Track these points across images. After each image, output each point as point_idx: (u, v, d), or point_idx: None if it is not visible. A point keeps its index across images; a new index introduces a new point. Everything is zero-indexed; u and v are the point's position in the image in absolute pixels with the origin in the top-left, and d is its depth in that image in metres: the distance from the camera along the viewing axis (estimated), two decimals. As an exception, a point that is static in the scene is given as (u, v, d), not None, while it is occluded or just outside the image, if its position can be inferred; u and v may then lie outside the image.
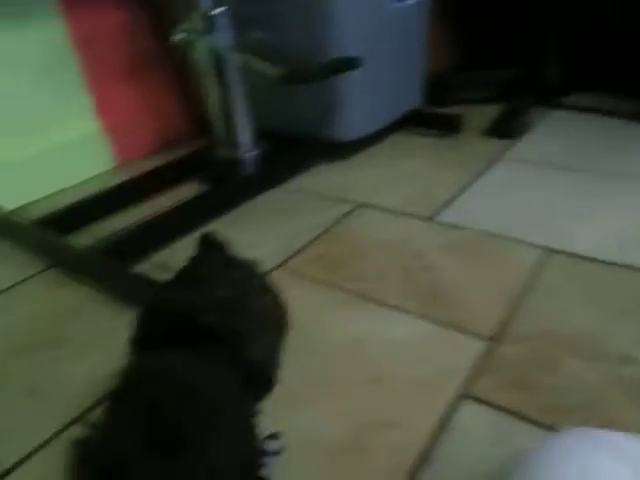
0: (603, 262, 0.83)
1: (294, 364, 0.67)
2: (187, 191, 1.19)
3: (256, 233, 1.01)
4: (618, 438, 0.28)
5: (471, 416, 0.58)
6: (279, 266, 0.90)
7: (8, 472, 0.57)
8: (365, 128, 1.27)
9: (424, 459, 0.54)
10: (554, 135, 1.38)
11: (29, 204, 1.19)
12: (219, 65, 1.07)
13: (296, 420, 0.59)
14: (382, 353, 0.69)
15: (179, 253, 0.95)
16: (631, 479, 0.26)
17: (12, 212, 1.09)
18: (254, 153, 1.19)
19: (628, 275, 0.80)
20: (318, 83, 1.05)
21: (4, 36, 1.10)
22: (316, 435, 0.57)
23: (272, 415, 0.58)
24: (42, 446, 0.60)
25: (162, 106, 1.44)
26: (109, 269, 0.84)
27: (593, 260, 0.84)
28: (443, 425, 0.58)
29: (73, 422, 0.62)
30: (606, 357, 0.64)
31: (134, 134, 1.39)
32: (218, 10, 1.00)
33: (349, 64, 1.01)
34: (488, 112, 1.51)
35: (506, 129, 1.36)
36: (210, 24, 1.00)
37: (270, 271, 0.88)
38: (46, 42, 1.17)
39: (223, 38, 1.03)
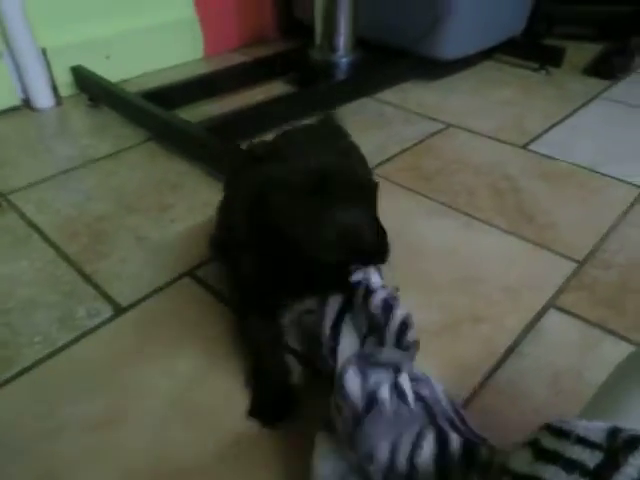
0: (701, 209, 0.83)
1: (391, 259, 0.71)
2: (276, 89, 1.20)
3: (345, 137, 1.02)
4: None
5: (559, 324, 0.61)
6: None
7: (125, 310, 0.64)
8: (466, 48, 1.23)
9: (511, 351, 0.58)
10: (657, 82, 1.31)
11: (125, 80, 1.23)
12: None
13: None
14: (474, 260, 0.71)
15: (272, 145, 0.97)
16: None
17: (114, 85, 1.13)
18: (348, 59, 1.18)
19: None
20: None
21: None
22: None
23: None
24: (156, 291, 0.66)
25: (256, 3, 1.42)
26: (212, 144, 0.87)
27: (690, 206, 0.84)
28: (531, 327, 0.61)
29: (183, 275, 0.68)
30: (698, 292, 0.66)
31: (226, 26, 1.39)
32: None
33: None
34: (588, 49, 1.43)
35: (607, 69, 1.30)
36: None
37: (360, 173, 0.90)
38: None
39: None
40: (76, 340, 0.59)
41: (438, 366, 0.56)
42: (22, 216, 0.79)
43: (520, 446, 0.31)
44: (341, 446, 0.40)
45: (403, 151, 0.98)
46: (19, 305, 0.64)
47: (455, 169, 0.93)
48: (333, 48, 1.17)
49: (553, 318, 0.62)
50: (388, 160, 0.95)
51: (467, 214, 0.81)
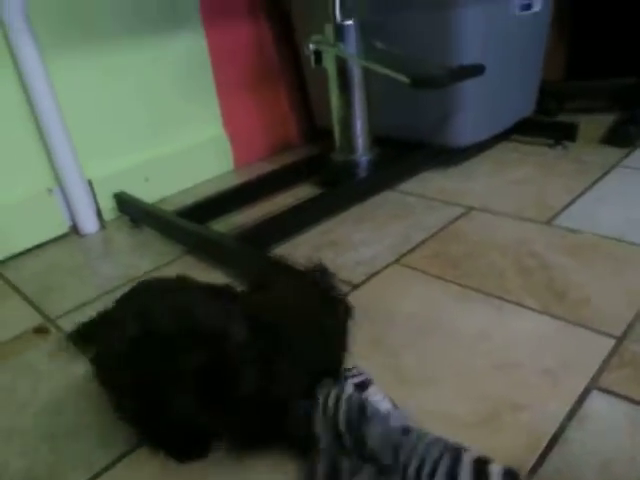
0: None
1: (423, 349, 0.71)
2: (303, 192, 1.27)
3: (370, 232, 1.06)
4: None
5: (603, 406, 0.59)
6: (395, 261, 0.94)
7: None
8: (479, 135, 1.29)
9: (556, 440, 0.56)
10: (676, 145, 1.32)
11: (162, 199, 1.33)
12: (345, 72, 1.15)
13: (426, 399, 0.63)
14: (508, 344, 0.71)
15: (299, 247, 1.02)
16: None
17: (152, 205, 1.23)
18: (368, 157, 1.25)
19: None
20: (443, 89, 1.09)
21: (157, 47, 1.26)
22: (447, 412, 0.61)
23: (402, 393, 0.62)
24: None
25: (279, 113, 1.56)
26: (243, 253, 0.92)
27: None
28: (574, 412, 0.59)
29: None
30: None
31: (254, 140, 1.51)
32: (348, 22, 1.08)
33: (475, 70, 1.05)
34: (600, 121, 1.47)
35: (624, 136, 1.33)
36: (340, 34, 1.08)
37: (387, 266, 0.93)
38: (189, 53, 1.32)
39: (351, 47, 1.11)
40: (121, 458, 0.61)
41: (481, 461, 0.54)
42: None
43: None
44: None
45: (427, 239, 1.01)
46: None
47: (481, 252, 0.94)
48: (352, 149, 1.25)
49: (597, 400, 0.60)
50: (413, 249, 0.98)
51: (497, 297, 0.81)
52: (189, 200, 1.22)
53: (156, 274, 1.01)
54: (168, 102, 1.32)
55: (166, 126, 1.33)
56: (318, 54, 1.15)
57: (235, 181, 1.35)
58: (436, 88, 1.05)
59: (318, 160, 1.33)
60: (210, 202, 1.18)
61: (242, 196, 1.23)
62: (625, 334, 0.70)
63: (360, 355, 0.71)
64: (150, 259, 1.06)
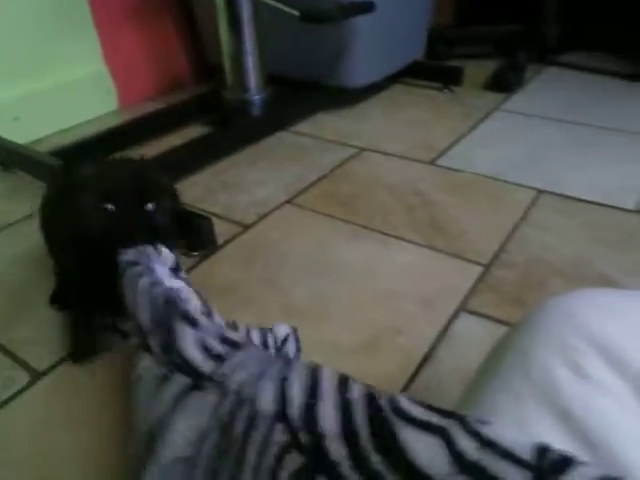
0: (589, 202, 0.90)
1: (313, 286, 0.73)
2: (193, 133, 1.22)
3: (263, 173, 1.05)
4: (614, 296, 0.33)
5: (469, 326, 0.65)
6: (288, 202, 0.95)
7: (43, 374, 0.62)
8: (372, 76, 1.30)
9: (427, 359, 0.61)
10: (548, 90, 1.43)
11: (36, 140, 1.21)
12: (234, 5, 1.09)
13: (313, 330, 0.66)
14: (390, 275, 0.75)
15: (190, 189, 0.99)
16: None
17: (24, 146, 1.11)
18: (261, 96, 1.22)
19: (613, 214, 0.87)
20: (333, 24, 1.07)
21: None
22: (332, 341, 0.64)
23: (302, 325, 0.64)
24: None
25: (167, 49, 1.45)
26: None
27: (580, 200, 0.91)
28: (444, 333, 0.65)
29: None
30: (587, 278, 0.72)
31: (139, 76, 1.41)
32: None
33: (364, 7, 1.04)
34: (486, 67, 1.54)
35: (504, 82, 1.41)
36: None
37: (279, 206, 0.93)
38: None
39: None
40: (-6, 411, 0.57)
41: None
42: None
43: (424, 429, 0.27)
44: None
45: (320, 179, 1.02)
46: None
47: (370, 191, 0.97)
48: (245, 87, 1.21)
49: (464, 321, 0.66)
50: (305, 190, 0.98)
51: (383, 233, 0.85)
52: (67, 141, 1.12)
53: (35, 219, 0.93)
54: (38, 35, 1.18)
55: (37, 62, 1.19)
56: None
57: (120, 121, 1.26)
58: (325, 23, 1.03)
59: (209, 99, 1.27)
60: (90, 143, 1.09)
61: (127, 137, 1.15)
62: (491, 262, 0.76)
63: (252, 295, 0.72)
64: (27, 204, 0.98)
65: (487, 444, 0.25)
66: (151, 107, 1.33)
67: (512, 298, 0.69)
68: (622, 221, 0.85)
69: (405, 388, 0.58)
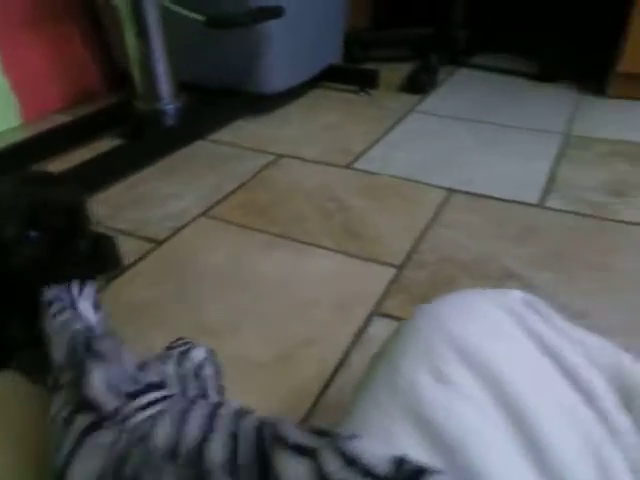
0: (496, 199, 0.94)
1: (227, 300, 0.72)
2: (104, 146, 1.17)
3: (178, 185, 1.02)
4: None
5: (382, 329, 0.66)
6: (203, 214, 0.93)
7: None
8: (288, 81, 1.29)
9: (341, 366, 0.61)
10: (460, 91, 1.48)
11: None
12: (139, 10, 1.05)
13: (226, 346, 0.64)
14: (305, 284, 0.75)
15: (100, 207, 0.95)
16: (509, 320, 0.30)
17: None
18: (175, 105, 1.19)
19: (517, 209, 0.91)
20: (241, 30, 1.06)
21: None
22: (249, 356, 0.63)
23: (213, 342, 0.62)
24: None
25: (73, 58, 1.39)
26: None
27: (488, 197, 0.95)
28: (358, 338, 0.65)
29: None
30: (492, 274, 0.75)
31: (44, 87, 1.33)
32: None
33: (273, 12, 1.03)
34: (401, 69, 1.58)
35: (418, 85, 1.45)
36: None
37: (194, 219, 0.91)
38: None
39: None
40: None
41: (274, 396, 0.57)
42: None
43: (298, 453, 0.27)
44: None
45: (237, 189, 1.00)
46: None
47: (287, 199, 0.97)
48: (156, 96, 1.17)
49: (377, 325, 0.67)
50: (221, 200, 0.97)
51: (299, 241, 0.84)
52: (-38, 160, 1.04)
53: None
54: None
55: None
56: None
57: (23, 137, 1.19)
58: (232, 28, 1.02)
59: (120, 109, 1.23)
60: (-12, 161, 1.02)
61: (30, 153, 1.09)
62: (404, 263, 0.78)
63: (164, 314, 0.70)
64: None
65: (350, 462, 0.25)
66: (59, 120, 1.27)
67: (422, 298, 0.71)
68: (526, 215, 0.90)
69: (320, 395, 0.58)
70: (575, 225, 0.86)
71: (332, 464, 0.26)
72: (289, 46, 1.23)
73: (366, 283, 0.75)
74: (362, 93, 1.44)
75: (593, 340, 0.31)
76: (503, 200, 0.94)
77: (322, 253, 0.82)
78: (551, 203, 0.93)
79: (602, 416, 0.25)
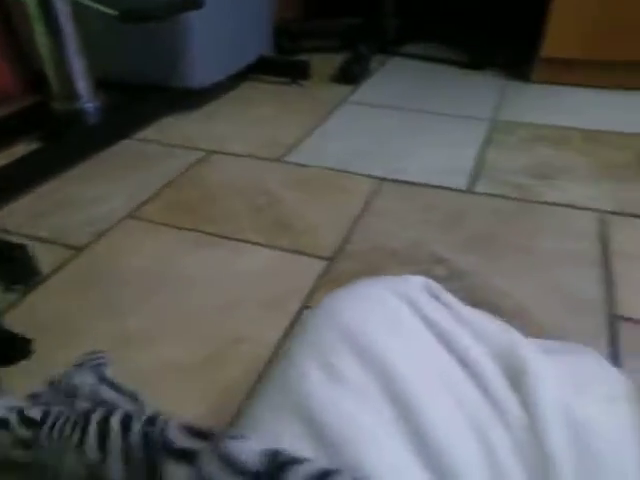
0: (426, 185, 0.95)
1: (153, 305, 0.69)
2: (20, 151, 1.10)
3: (103, 187, 0.98)
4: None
5: (313, 323, 0.65)
6: (129, 215, 0.89)
7: None
8: (213, 75, 1.26)
9: (272, 361, 0.60)
10: (392, 80, 1.49)
11: None
12: (47, 7, 0.99)
13: (156, 354, 0.62)
14: (235, 282, 0.73)
15: (14, 215, 0.89)
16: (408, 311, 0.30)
17: None
18: (95, 104, 1.13)
19: (446, 195, 0.93)
20: (158, 23, 1.01)
21: None
22: (176, 360, 0.61)
23: (126, 354, 0.60)
24: None
25: (-18, 57, 1.30)
26: None
27: (419, 185, 0.96)
28: (288, 332, 0.64)
29: None
30: (420, 260, 0.75)
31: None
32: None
33: (191, 4, 1.00)
34: (333, 60, 1.58)
35: (350, 75, 1.44)
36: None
37: (119, 222, 0.87)
38: None
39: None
40: None
41: (203, 399, 0.55)
42: None
43: (182, 459, 0.27)
44: None
45: (165, 188, 0.97)
46: None
47: (217, 195, 0.94)
48: (74, 96, 1.11)
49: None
50: (149, 200, 0.93)
51: (230, 238, 0.82)
52: None
53: None
54: None
55: None
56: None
57: None
58: (147, 22, 0.98)
59: (36, 111, 1.16)
60: None
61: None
62: (335, 255, 0.77)
63: (83, 326, 0.66)
64: None
65: (227, 463, 0.25)
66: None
67: (353, 289, 0.71)
68: (454, 201, 0.91)
69: (250, 392, 0.56)
70: (501, 208, 0.88)
71: (210, 466, 0.25)
72: (212, 39, 1.20)
73: (297, 277, 0.74)
74: (294, 85, 1.42)
75: (487, 323, 0.31)
76: (432, 187, 0.95)
77: (253, 249, 0.80)
78: (478, 188, 0.95)
79: (490, 398, 0.25)
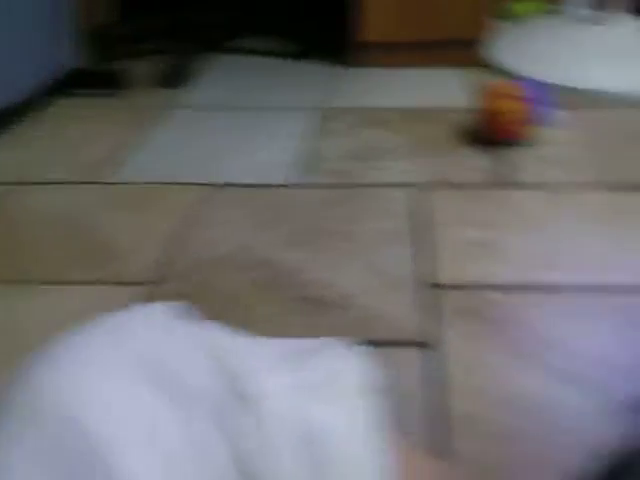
0: (250, 186, 0.94)
1: None
2: None
3: None
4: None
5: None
6: None
7: None
8: (6, 96, 1.12)
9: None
10: (220, 78, 1.45)
11: None
12: None
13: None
14: (44, 334, 0.65)
15: None
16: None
17: None
18: None
19: (270, 193, 0.92)
20: None
21: None
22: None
23: None
24: None
25: None
26: None
27: (245, 186, 0.94)
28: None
29: None
30: (246, 266, 0.74)
31: None
32: None
33: None
34: (157, 63, 1.49)
35: (171, 78, 1.38)
36: None
37: None
38: None
39: None
40: None
41: None
42: None
43: None
44: None
45: (-41, 235, 0.85)
46: None
47: (24, 233, 0.84)
48: None
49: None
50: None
51: (36, 282, 0.74)
52: None
53: None
54: None
55: None
56: None
57: None
58: None
59: None
60: None
61: None
62: (157, 278, 0.73)
63: None
64: None
65: None
66: None
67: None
68: (279, 198, 0.90)
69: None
70: (325, 197, 0.90)
71: None
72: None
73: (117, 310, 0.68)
74: (114, 96, 1.33)
75: (223, 341, 0.30)
76: (257, 186, 0.94)
77: (66, 290, 0.72)
78: (302, 180, 0.95)
79: (213, 415, 0.24)
